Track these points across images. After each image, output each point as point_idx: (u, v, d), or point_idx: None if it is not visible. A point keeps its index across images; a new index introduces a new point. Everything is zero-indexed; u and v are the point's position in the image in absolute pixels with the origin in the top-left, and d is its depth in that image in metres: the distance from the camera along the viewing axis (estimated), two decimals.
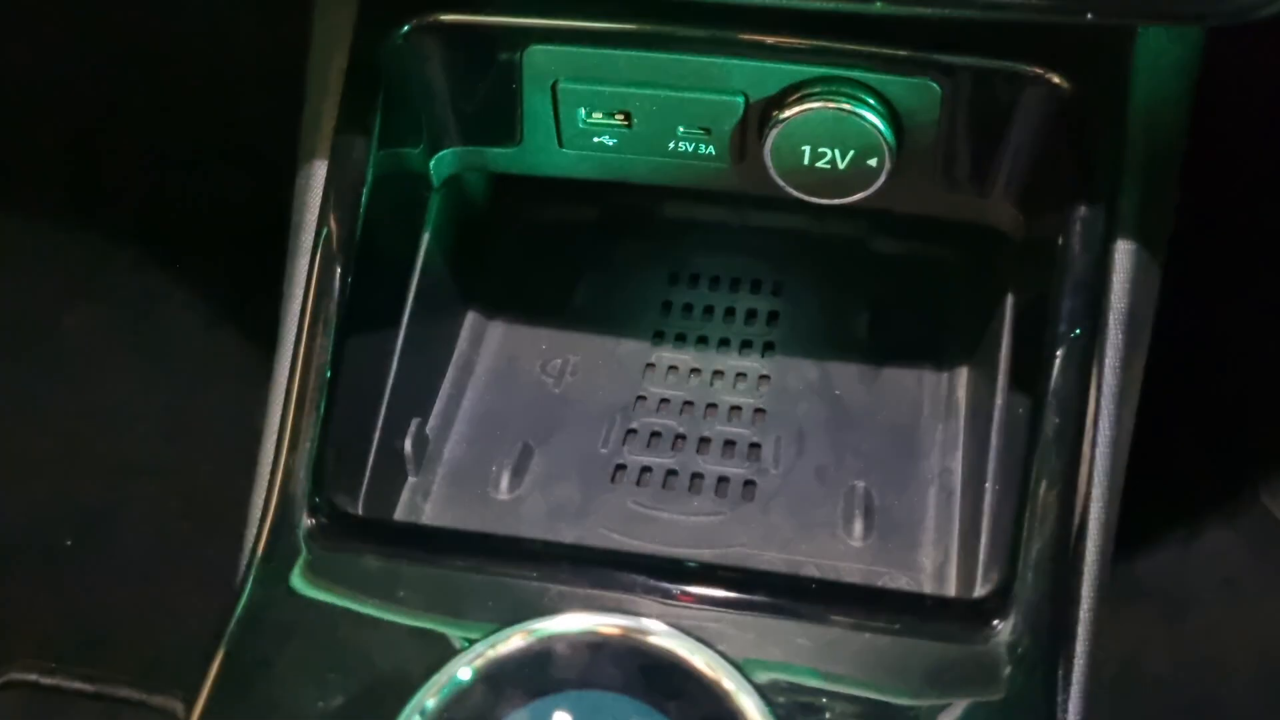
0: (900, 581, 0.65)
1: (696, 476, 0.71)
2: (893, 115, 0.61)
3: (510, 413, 0.75)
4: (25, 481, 1.18)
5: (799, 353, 0.77)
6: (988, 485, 0.62)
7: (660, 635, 0.52)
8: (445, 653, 0.53)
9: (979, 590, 0.60)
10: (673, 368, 0.77)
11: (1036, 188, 0.63)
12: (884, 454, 0.71)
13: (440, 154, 0.69)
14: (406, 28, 0.63)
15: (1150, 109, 0.61)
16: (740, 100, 0.62)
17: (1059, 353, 0.58)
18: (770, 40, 0.60)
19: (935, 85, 0.60)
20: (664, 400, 0.75)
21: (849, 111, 0.60)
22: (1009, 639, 0.54)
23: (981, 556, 0.61)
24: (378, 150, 0.65)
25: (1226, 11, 0.52)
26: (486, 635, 0.53)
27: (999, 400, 0.65)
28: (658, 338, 0.78)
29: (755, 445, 0.72)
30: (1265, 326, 1.12)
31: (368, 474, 0.65)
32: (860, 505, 0.68)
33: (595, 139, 0.66)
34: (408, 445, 0.69)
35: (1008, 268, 0.68)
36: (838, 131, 0.60)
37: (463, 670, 0.51)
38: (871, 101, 0.60)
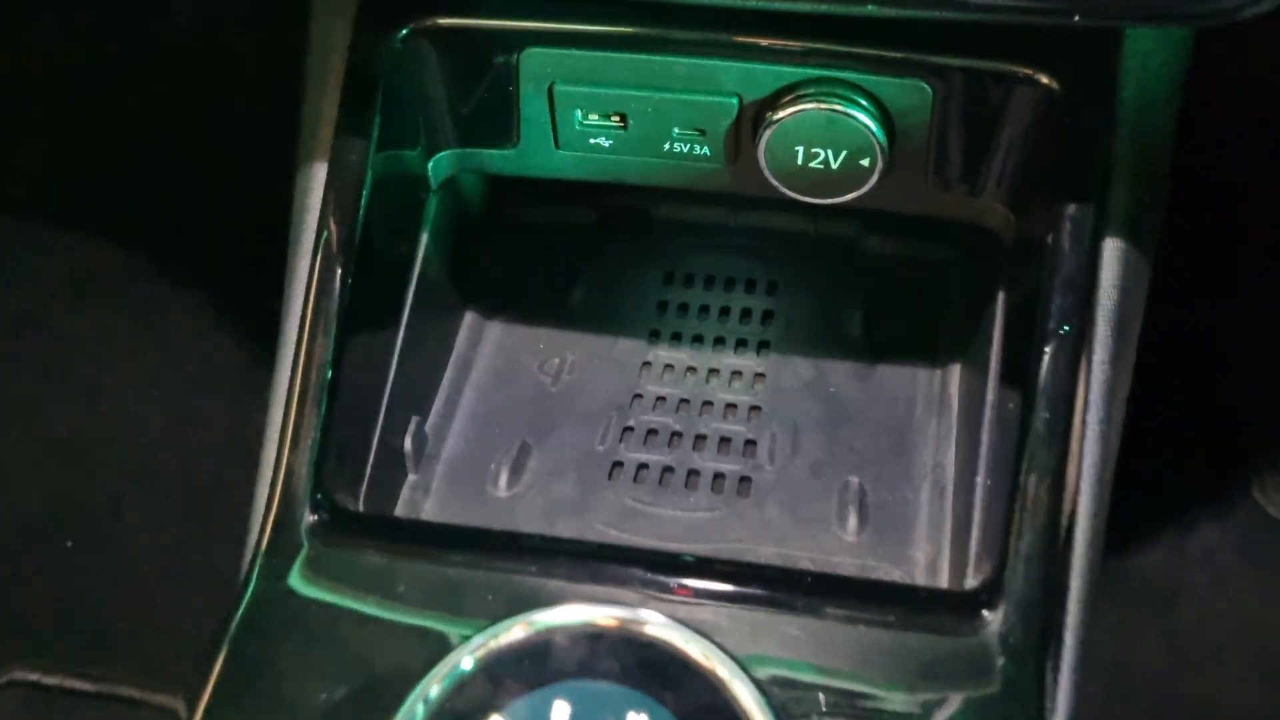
0: (893, 575, 0.65)
1: (693, 473, 0.71)
2: (884, 116, 0.61)
3: (508, 411, 0.75)
4: (26, 483, 1.18)
5: (793, 351, 0.77)
6: (979, 480, 0.63)
7: (657, 626, 0.53)
8: (447, 644, 0.53)
9: (970, 582, 0.60)
10: (669, 366, 0.77)
11: (1026, 187, 0.64)
12: (878, 450, 0.71)
13: (438, 156, 0.70)
14: (404, 31, 0.64)
15: (1139, 109, 0.62)
16: (734, 101, 0.63)
17: (1048, 349, 0.59)
18: (763, 42, 0.61)
19: (926, 86, 0.61)
20: (660, 398, 0.75)
21: (841, 112, 0.60)
22: (999, 629, 0.55)
23: (973, 549, 0.62)
24: (376, 152, 0.65)
25: (1211, 13, 0.53)
26: (487, 627, 0.53)
27: (990, 396, 0.65)
28: (654, 337, 0.78)
29: (750, 442, 0.73)
30: (1258, 325, 1.13)
31: (368, 471, 0.66)
32: (854, 500, 0.69)
33: (591, 140, 0.66)
34: (407, 443, 0.69)
35: (999, 266, 0.69)
36: (830, 132, 0.61)
37: (465, 660, 0.52)
38: (863, 102, 0.61)
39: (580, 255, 0.83)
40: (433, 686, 0.51)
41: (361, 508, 0.65)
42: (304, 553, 0.59)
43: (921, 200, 0.66)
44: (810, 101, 0.61)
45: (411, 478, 0.70)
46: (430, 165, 0.70)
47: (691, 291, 0.81)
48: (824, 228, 0.82)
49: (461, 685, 0.51)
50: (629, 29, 0.62)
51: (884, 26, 0.59)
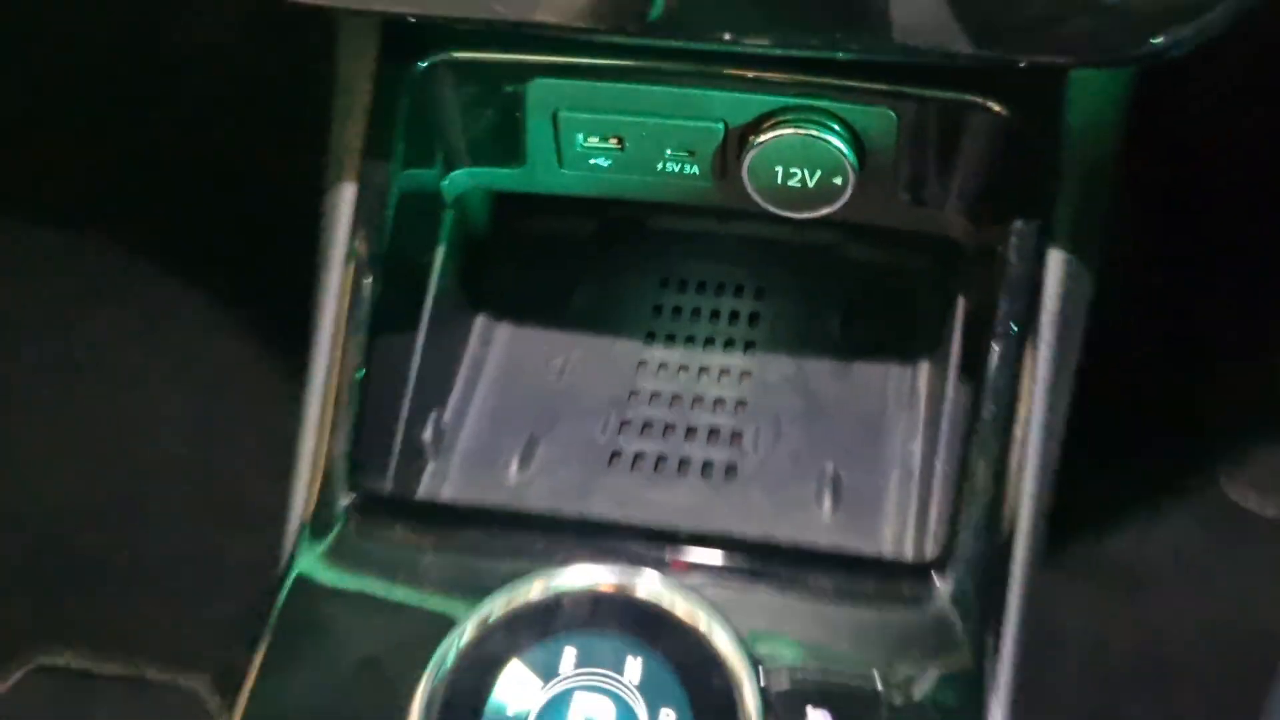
0: (863, 550, 0.68)
1: (684, 461, 0.73)
2: (855, 139, 0.63)
3: (517, 406, 0.77)
4: (48, 483, 1.18)
5: (777, 350, 0.79)
6: (938, 465, 0.66)
7: (650, 587, 0.57)
8: (472, 603, 0.57)
9: (929, 555, 0.64)
10: (663, 365, 0.78)
11: (983, 202, 0.66)
12: (852, 440, 0.73)
13: (453, 174, 0.71)
14: (425, 64, 0.66)
15: (1083, 132, 0.63)
16: (720, 127, 0.64)
17: (996, 347, 0.61)
18: (747, 74, 0.62)
19: (892, 113, 0.62)
20: (655, 394, 0.77)
21: (816, 136, 0.62)
22: (950, 591, 0.59)
23: (931, 526, 0.65)
24: (399, 172, 0.67)
25: (1145, 55, 0.54)
26: (506, 587, 0.57)
27: (950, 391, 0.68)
28: (649, 338, 0.80)
29: (737, 433, 0.75)
30: (1226, 318, 1.15)
31: (394, 460, 0.68)
32: (830, 485, 0.71)
33: (592, 160, 0.67)
34: (428, 435, 0.72)
35: (960, 274, 0.71)
36: (807, 154, 0.62)
37: (490, 612, 0.56)
38: (836, 127, 0.62)
39: (580, 263, 0.83)
40: (464, 633, 0.55)
41: (390, 491, 0.68)
42: (342, 529, 0.62)
43: (890, 214, 0.68)
44: (788, 127, 0.62)
45: (431, 465, 0.73)
46: (445, 183, 0.71)
47: (684, 296, 0.82)
48: (806, 238, 0.83)
49: (486, 635, 0.55)
50: (626, 62, 0.63)
51: (855, 62, 0.60)
